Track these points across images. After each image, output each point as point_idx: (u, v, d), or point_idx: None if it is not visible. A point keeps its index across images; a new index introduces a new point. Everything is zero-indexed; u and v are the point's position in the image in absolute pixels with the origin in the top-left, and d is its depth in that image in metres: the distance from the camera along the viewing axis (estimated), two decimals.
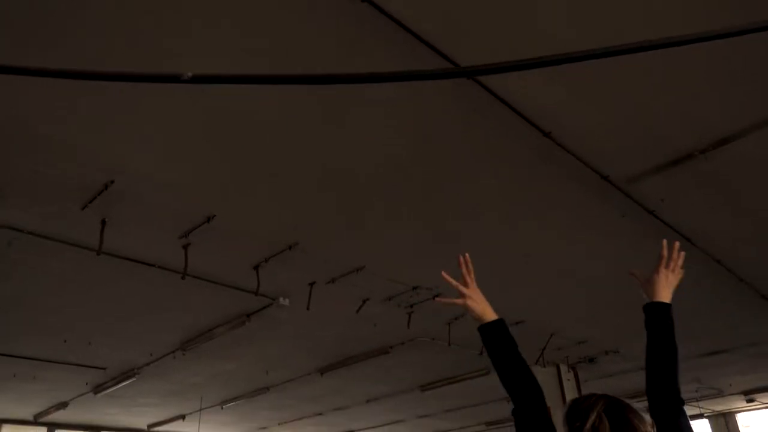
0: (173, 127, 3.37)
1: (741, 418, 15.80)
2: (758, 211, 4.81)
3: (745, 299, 6.69)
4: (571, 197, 4.34)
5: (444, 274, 1.92)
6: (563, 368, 8.33)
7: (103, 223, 4.23)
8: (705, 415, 15.23)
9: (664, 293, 1.89)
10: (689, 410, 14.02)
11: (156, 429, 12.18)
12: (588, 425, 1.39)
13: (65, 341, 6.74)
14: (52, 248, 4.52)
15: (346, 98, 3.23)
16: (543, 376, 8.01)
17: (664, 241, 2.00)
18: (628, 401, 1.53)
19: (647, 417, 1.45)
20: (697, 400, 12.90)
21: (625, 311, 6.91)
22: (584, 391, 8.27)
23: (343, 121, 3.43)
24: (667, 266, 1.95)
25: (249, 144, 3.57)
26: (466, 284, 1.89)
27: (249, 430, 13.29)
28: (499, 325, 1.81)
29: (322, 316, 6.37)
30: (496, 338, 1.78)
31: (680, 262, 1.98)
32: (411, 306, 6.20)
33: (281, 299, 5.70)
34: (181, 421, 11.26)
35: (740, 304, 6.93)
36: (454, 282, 1.89)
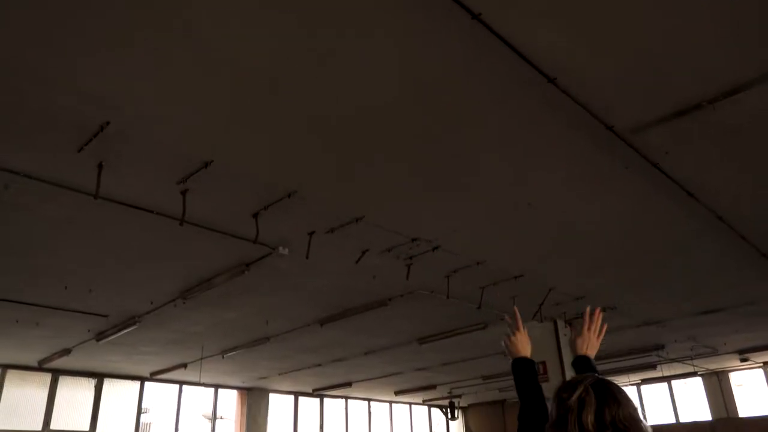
0: (170, 70, 3.27)
1: (734, 377, 16.05)
2: (764, 167, 4.74)
3: (746, 257, 6.68)
4: (575, 147, 4.27)
5: (516, 309, 2.45)
6: (560, 323, 8.38)
7: (100, 166, 4.18)
8: (699, 373, 15.46)
9: (586, 349, 2.27)
10: (683, 368, 14.30)
11: (159, 377, 12.43)
12: (574, 396, 1.49)
13: (66, 288, 6.78)
14: (49, 192, 4.48)
15: (342, 38, 3.14)
16: (540, 330, 8.04)
17: (588, 308, 2.36)
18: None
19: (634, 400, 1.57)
20: (692, 359, 13.04)
21: (623, 267, 6.92)
22: None
23: (342, 66, 3.33)
24: (589, 329, 2.29)
25: (246, 89, 3.48)
26: (518, 329, 2.34)
27: (249, 379, 13.56)
28: (530, 361, 2.28)
29: (322, 267, 6.39)
30: (525, 370, 2.25)
31: (603, 331, 2.32)
32: (410, 258, 6.20)
33: (281, 248, 5.68)
34: (182, 369, 11.46)
35: (740, 262, 6.93)
36: (519, 319, 2.37)
